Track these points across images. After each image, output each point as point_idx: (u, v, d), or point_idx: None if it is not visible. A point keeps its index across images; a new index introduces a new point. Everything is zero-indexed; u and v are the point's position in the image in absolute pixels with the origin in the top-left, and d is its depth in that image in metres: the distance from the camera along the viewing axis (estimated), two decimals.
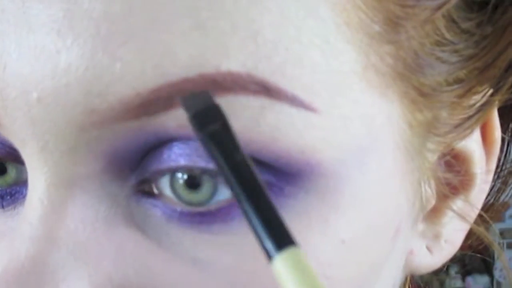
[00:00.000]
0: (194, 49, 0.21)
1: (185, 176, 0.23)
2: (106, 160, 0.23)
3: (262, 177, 0.23)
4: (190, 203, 0.23)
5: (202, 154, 0.23)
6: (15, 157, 0.25)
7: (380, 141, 0.25)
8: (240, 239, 0.23)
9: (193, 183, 0.23)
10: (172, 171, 0.23)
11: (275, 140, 0.22)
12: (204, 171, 0.23)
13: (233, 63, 0.22)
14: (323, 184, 0.23)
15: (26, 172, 0.25)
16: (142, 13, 0.21)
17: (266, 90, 0.22)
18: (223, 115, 0.21)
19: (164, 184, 0.23)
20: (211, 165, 0.23)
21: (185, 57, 0.21)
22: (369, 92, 0.24)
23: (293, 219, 0.23)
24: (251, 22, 0.22)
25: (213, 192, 0.23)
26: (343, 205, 0.24)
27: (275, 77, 0.22)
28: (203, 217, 0.23)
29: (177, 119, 0.22)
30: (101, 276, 0.23)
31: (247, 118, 0.22)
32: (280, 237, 0.19)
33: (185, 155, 0.23)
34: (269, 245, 0.19)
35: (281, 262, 0.18)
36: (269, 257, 0.19)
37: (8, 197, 0.26)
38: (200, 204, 0.23)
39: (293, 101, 0.22)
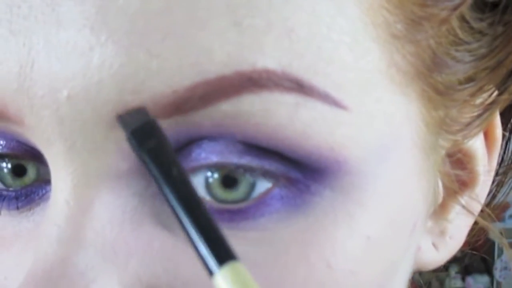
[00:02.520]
0: (231, 47, 0.21)
1: (216, 175, 0.23)
2: (133, 159, 0.23)
3: (290, 174, 0.23)
4: (225, 201, 0.23)
5: (233, 150, 0.23)
6: (34, 156, 0.25)
7: (400, 139, 0.25)
8: (271, 235, 0.23)
9: (229, 182, 0.23)
10: (203, 169, 0.23)
11: (307, 137, 0.23)
12: (237, 166, 0.23)
13: (269, 60, 0.22)
14: (348, 181, 0.24)
15: (44, 171, 0.25)
16: (180, 10, 0.21)
17: (300, 87, 0.22)
18: (160, 131, 0.21)
19: (196, 182, 0.23)
20: (242, 161, 0.23)
21: (222, 54, 0.21)
22: (391, 91, 0.25)
23: (319, 216, 0.24)
24: (285, 19, 0.22)
25: (250, 191, 0.23)
26: (367, 202, 0.24)
27: (308, 75, 0.22)
28: (231, 214, 0.23)
29: (211, 118, 0.22)
30: (130, 275, 0.23)
31: (282, 115, 0.22)
32: (220, 253, 0.19)
33: (216, 152, 0.23)
34: (210, 261, 0.19)
35: (222, 277, 0.18)
36: (210, 273, 0.18)
37: (23, 198, 0.26)
38: (234, 202, 0.23)
39: (326, 98, 0.23)
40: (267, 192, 0.23)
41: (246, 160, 0.23)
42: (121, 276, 0.23)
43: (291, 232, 0.23)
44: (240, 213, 0.23)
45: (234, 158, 0.23)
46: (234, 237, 0.23)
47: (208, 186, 0.23)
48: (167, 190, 0.20)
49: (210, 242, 0.19)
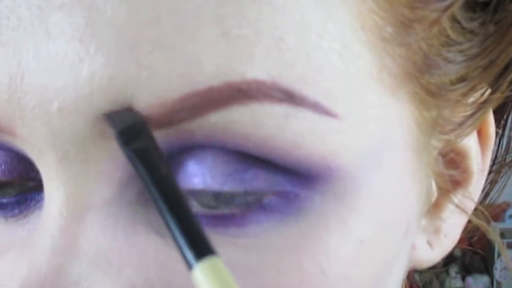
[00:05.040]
0: (220, 58, 0.21)
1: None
2: (126, 168, 0.23)
3: (278, 185, 0.23)
4: (208, 206, 0.23)
5: (217, 173, 0.23)
6: (21, 176, 0.25)
7: (393, 142, 0.25)
8: (263, 242, 0.23)
9: None
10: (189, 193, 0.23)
11: (298, 147, 0.23)
12: (218, 193, 0.23)
13: (258, 71, 0.22)
14: (340, 187, 0.24)
15: (32, 182, 0.25)
16: (168, 21, 0.21)
17: (290, 97, 0.22)
18: (149, 131, 0.21)
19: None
20: (225, 188, 0.23)
21: (211, 65, 0.21)
22: (382, 94, 0.24)
23: (311, 222, 0.23)
24: (274, 29, 0.22)
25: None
26: (360, 206, 0.24)
27: (298, 84, 0.22)
28: (220, 220, 0.23)
29: (201, 128, 0.22)
30: (124, 284, 0.23)
31: (271, 126, 0.22)
32: (199, 247, 0.19)
33: (199, 175, 0.23)
34: (189, 254, 0.19)
35: (201, 271, 0.19)
36: (189, 266, 0.19)
37: (19, 205, 0.26)
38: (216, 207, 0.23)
39: (316, 107, 0.23)
40: (256, 200, 0.23)
41: (229, 187, 0.23)
42: (114, 285, 0.23)
43: (283, 238, 0.23)
44: (229, 219, 0.23)
45: (215, 185, 0.23)
46: (224, 242, 0.23)
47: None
48: (153, 190, 0.20)
49: (190, 237, 0.19)
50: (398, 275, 0.29)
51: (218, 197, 0.23)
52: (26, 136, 0.23)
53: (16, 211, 0.26)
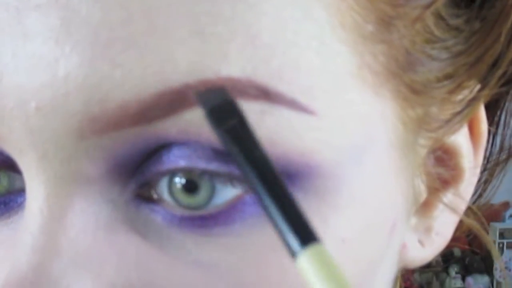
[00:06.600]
0: (194, 55, 0.21)
1: (183, 180, 0.23)
2: (105, 166, 0.23)
3: None
4: (188, 207, 0.23)
5: (201, 156, 0.23)
6: (9, 165, 0.25)
7: (375, 140, 0.25)
8: (243, 240, 0.23)
9: (190, 187, 0.23)
10: (172, 173, 0.23)
11: (275, 144, 0.22)
12: (204, 172, 0.23)
13: (233, 68, 0.22)
14: (321, 184, 0.23)
15: (18, 181, 0.25)
16: (142, 20, 0.21)
17: (265, 94, 0.22)
18: (240, 111, 0.21)
19: (163, 189, 0.23)
20: (211, 166, 0.23)
21: (185, 63, 0.21)
22: (363, 92, 0.24)
23: None
24: (249, 26, 0.22)
25: (211, 196, 0.23)
26: (342, 204, 0.24)
27: (274, 81, 0.22)
28: (204, 221, 0.23)
29: (177, 125, 0.22)
30: (104, 282, 0.23)
31: None
32: (304, 234, 0.18)
33: (185, 157, 0.23)
34: (293, 241, 0.18)
35: (306, 258, 0.18)
36: (293, 253, 0.18)
37: (2, 206, 0.26)
38: (198, 207, 0.23)
39: (292, 104, 0.22)
40: (238, 198, 0.23)
41: (214, 166, 0.23)
42: (95, 283, 0.23)
43: (265, 237, 0.23)
44: (212, 219, 0.23)
45: (202, 164, 0.23)
46: (207, 243, 0.23)
47: (171, 192, 0.23)
48: (249, 171, 0.19)
49: (294, 223, 0.18)
50: (385, 274, 0.29)
51: (203, 175, 0.23)
52: (6, 135, 0.23)
53: (1, 211, 0.26)
